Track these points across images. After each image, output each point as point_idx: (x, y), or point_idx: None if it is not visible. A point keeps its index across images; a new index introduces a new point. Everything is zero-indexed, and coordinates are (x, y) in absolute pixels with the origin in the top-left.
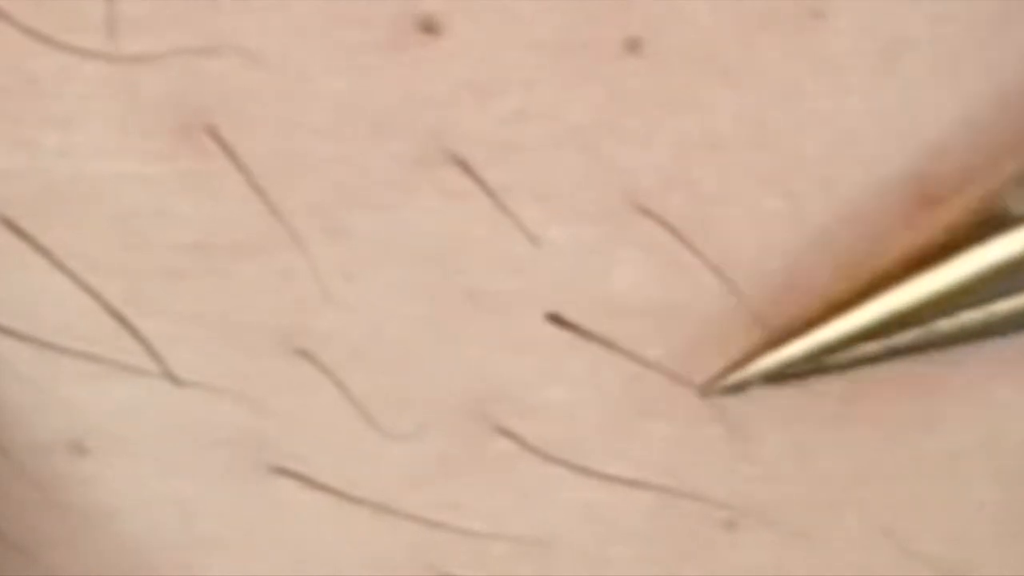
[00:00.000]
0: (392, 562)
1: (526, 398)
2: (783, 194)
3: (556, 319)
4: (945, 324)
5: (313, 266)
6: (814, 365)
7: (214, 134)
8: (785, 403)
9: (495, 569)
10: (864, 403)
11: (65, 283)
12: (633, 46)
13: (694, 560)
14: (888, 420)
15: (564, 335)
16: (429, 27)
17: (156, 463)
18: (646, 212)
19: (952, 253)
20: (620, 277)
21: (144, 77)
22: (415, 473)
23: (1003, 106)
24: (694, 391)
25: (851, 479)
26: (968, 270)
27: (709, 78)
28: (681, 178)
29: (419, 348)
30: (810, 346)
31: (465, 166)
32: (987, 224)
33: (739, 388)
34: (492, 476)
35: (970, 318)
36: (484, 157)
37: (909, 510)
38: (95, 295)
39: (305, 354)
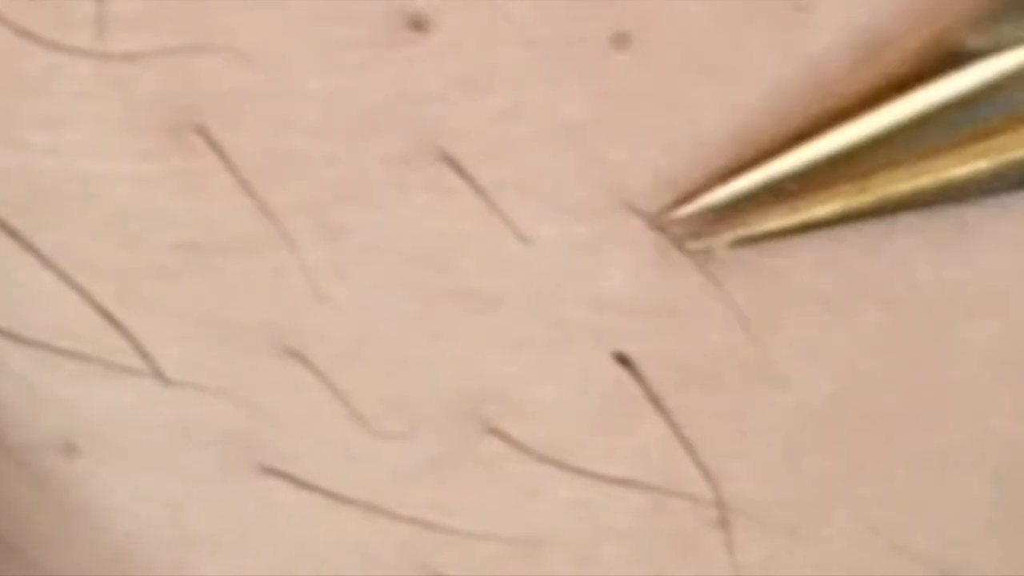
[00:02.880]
0: (382, 562)
1: (517, 397)
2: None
3: (622, 360)
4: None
5: (303, 265)
6: (761, 202)
7: (204, 133)
8: (775, 400)
9: (486, 569)
10: (854, 400)
11: (55, 282)
12: (621, 42)
13: (685, 559)
14: (878, 417)
15: (554, 335)
16: (418, 24)
17: (147, 463)
18: (635, 210)
19: (905, 90)
20: (610, 275)
21: (134, 76)
22: (406, 473)
23: None
24: (646, 221)
25: (841, 477)
26: (921, 106)
27: (696, 73)
28: (670, 174)
29: (409, 347)
30: (760, 180)
31: (455, 164)
32: (941, 61)
33: (691, 222)
34: (483, 476)
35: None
36: (474, 155)
37: (899, 508)
38: (85, 294)
39: (295, 354)
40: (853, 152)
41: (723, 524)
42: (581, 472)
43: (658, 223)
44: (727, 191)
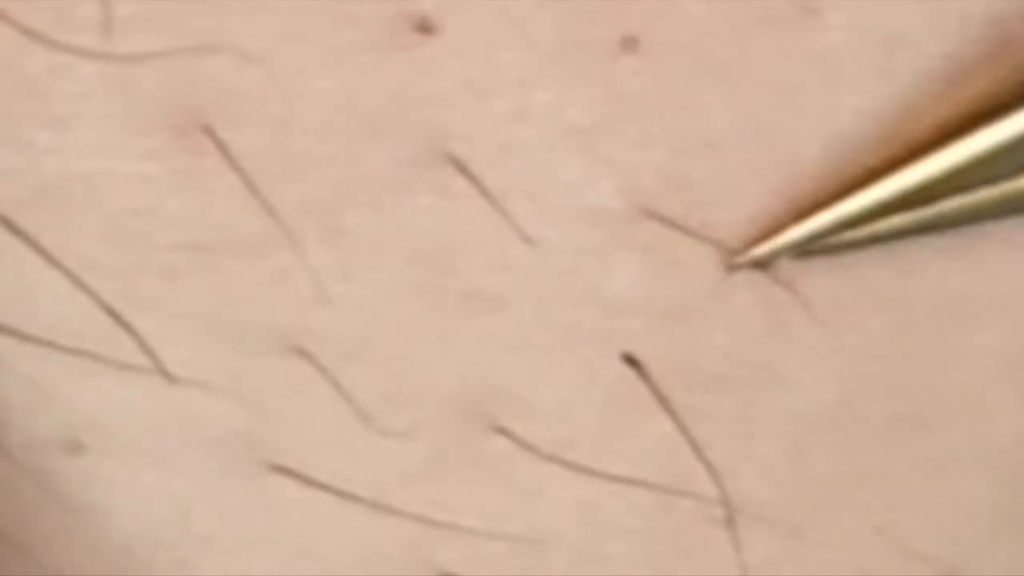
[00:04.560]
0: (388, 559)
1: (522, 397)
2: (780, 192)
3: (630, 360)
4: (968, 199)
5: (308, 265)
6: (841, 239)
7: (209, 133)
8: (782, 401)
9: (492, 567)
10: (860, 402)
11: (60, 281)
12: (629, 45)
13: (690, 558)
14: (884, 420)
15: (560, 336)
16: (424, 27)
17: (152, 461)
18: (643, 212)
19: (979, 124)
20: (616, 277)
21: (139, 76)
22: (411, 471)
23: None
24: (722, 266)
25: (846, 478)
26: (995, 140)
27: (705, 75)
28: (678, 177)
29: (414, 347)
30: (838, 217)
31: (461, 166)
32: (1015, 95)
33: (766, 262)
34: (488, 474)
35: (993, 194)
36: (480, 157)
37: (904, 508)
38: (90, 293)
39: (300, 352)
40: (929, 183)
41: (729, 523)
42: (587, 471)
43: (735, 262)
44: (807, 228)
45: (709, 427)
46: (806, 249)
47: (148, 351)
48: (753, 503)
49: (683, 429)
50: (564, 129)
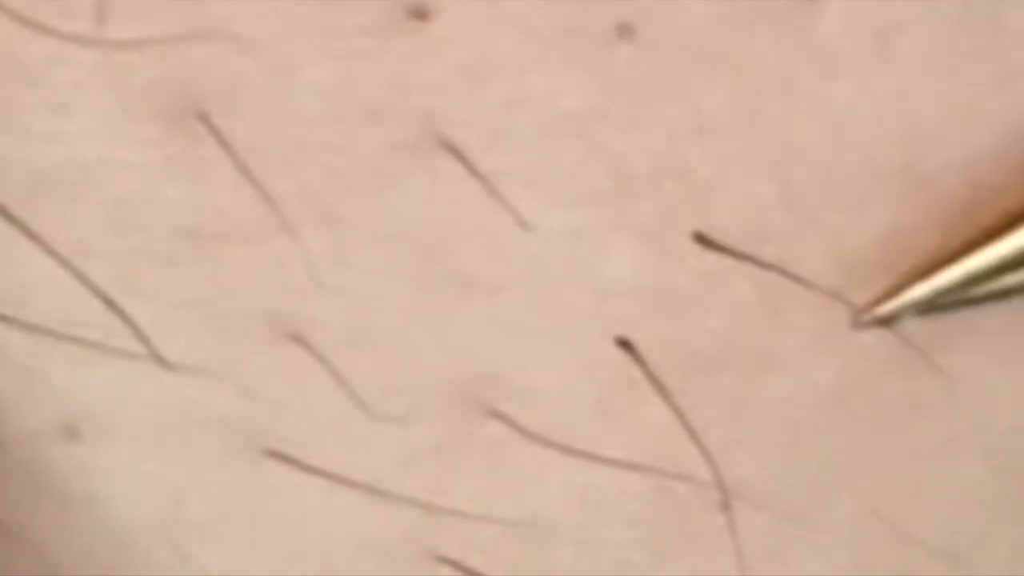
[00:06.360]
0: (385, 545)
1: (519, 382)
2: (776, 179)
3: (625, 344)
4: None
5: (304, 251)
6: (964, 295)
7: (205, 120)
8: (778, 385)
9: (489, 552)
10: (857, 386)
11: (55, 268)
12: (625, 32)
13: (687, 542)
14: (880, 403)
15: (556, 321)
16: (419, 13)
17: (147, 447)
18: (638, 198)
19: None
20: (612, 263)
21: (134, 63)
22: (407, 456)
23: (997, 90)
24: (848, 323)
25: (843, 462)
26: None
27: (701, 63)
28: (674, 164)
29: (410, 332)
30: (961, 275)
31: (457, 152)
32: None
33: (891, 319)
34: (485, 459)
35: None
36: (476, 143)
37: (902, 493)
38: (85, 280)
39: (296, 338)
40: None
41: (725, 507)
42: (584, 455)
43: (858, 324)
44: (935, 284)
45: (705, 411)
46: (931, 305)
47: (144, 338)
48: (749, 487)
49: (679, 413)
50: (560, 115)
